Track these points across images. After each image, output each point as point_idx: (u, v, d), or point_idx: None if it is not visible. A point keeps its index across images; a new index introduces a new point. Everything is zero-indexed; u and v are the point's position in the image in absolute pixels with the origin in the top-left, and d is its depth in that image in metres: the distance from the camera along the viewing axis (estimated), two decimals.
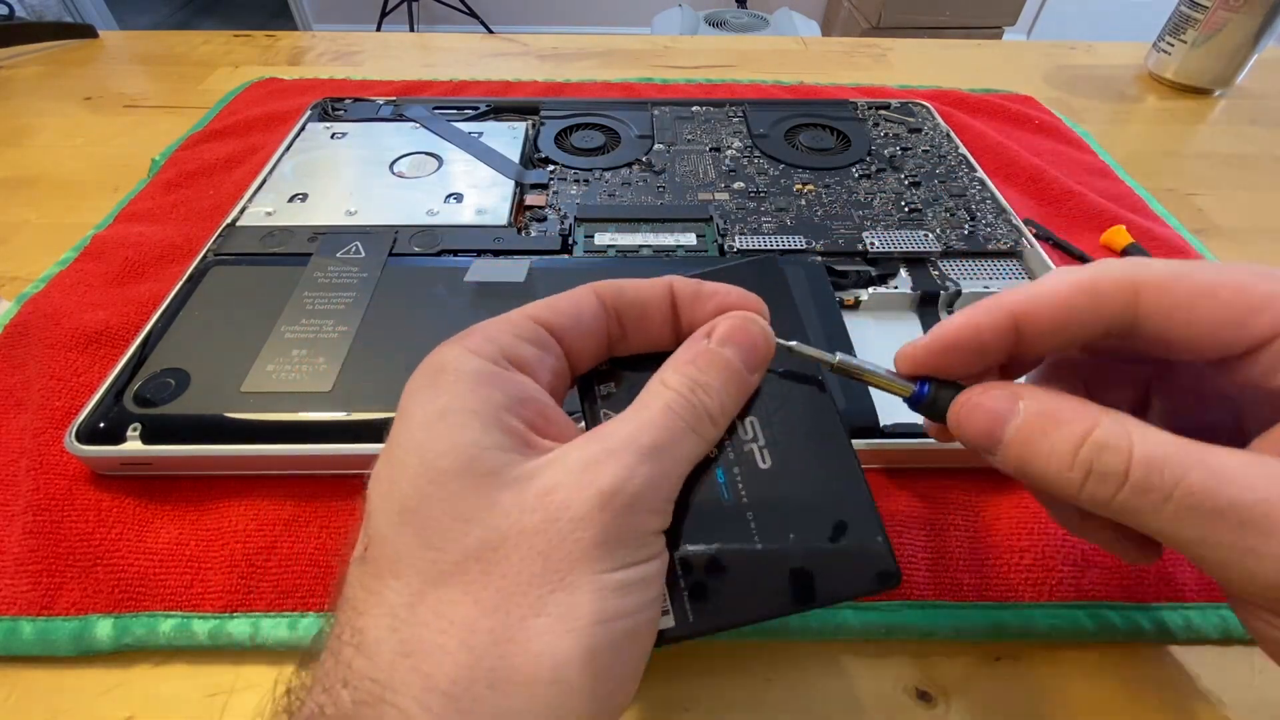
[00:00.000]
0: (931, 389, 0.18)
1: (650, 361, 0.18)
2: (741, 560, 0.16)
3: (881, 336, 0.31)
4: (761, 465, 0.17)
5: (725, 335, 0.17)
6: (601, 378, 0.19)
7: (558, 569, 0.13)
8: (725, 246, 0.35)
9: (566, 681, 0.13)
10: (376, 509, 0.14)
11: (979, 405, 0.16)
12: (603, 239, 0.36)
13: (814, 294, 0.30)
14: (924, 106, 0.48)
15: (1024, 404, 0.15)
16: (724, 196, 0.39)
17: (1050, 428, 0.14)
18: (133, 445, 0.25)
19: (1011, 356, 0.17)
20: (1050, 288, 0.16)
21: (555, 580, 0.13)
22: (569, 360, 0.18)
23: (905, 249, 0.35)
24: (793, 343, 0.18)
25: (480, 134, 0.44)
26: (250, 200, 0.38)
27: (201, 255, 0.34)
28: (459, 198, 0.38)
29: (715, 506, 0.17)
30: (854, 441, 0.26)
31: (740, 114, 0.47)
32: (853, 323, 0.31)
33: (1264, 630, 0.14)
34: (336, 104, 0.47)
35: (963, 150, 0.43)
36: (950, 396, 0.17)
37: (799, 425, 0.18)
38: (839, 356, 0.18)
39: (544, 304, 0.18)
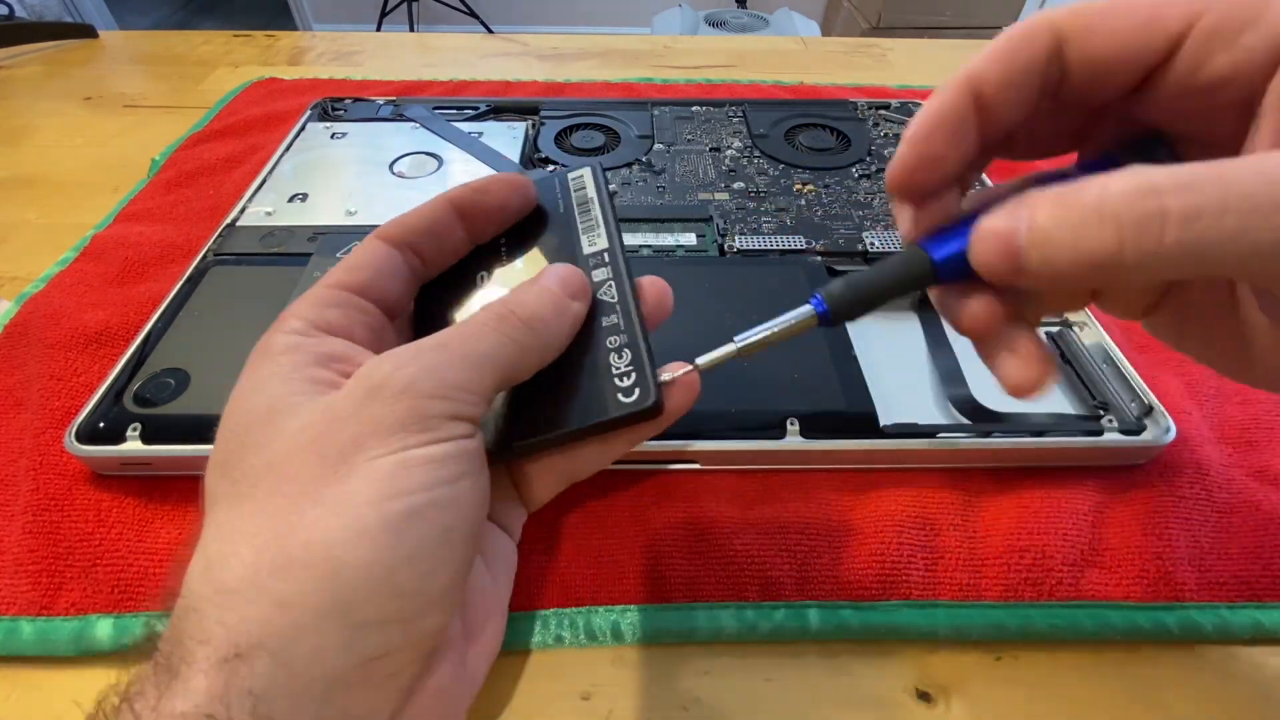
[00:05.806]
0: (823, 295, 0.18)
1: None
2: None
3: (882, 336, 0.31)
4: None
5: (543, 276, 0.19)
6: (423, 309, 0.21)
7: (333, 464, 0.15)
8: (725, 246, 0.35)
9: (340, 560, 0.14)
10: (206, 477, 0.16)
11: (987, 229, 0.14)
12: None
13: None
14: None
15: (1021, 207, 0.14)
16: (724, 196, 0.39)
17: (1061, 208, 0.13)
18: (133, 445, 0.25)
19: (981, 133, 0.18)
20: (988, 48, 0.17)
21: (330, 474, 0.15)
22: (387, 308, 0.19)
23: None
24: (699, 360, 0.19)
25: (480, 134, 0.44)
26: (250, 200, 0.38)
27: (201, 255, 0.34)
28: None
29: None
30: (854, 442, 0.26)
31: (740, 114, 0.47)
32: (854, 323, 0.30)
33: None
34: (336, 104, 0.48)
35: None
36: (841, 285, 0.17)
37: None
38: (738, 342, 0.18)
39: (339, 268, 0.19)
